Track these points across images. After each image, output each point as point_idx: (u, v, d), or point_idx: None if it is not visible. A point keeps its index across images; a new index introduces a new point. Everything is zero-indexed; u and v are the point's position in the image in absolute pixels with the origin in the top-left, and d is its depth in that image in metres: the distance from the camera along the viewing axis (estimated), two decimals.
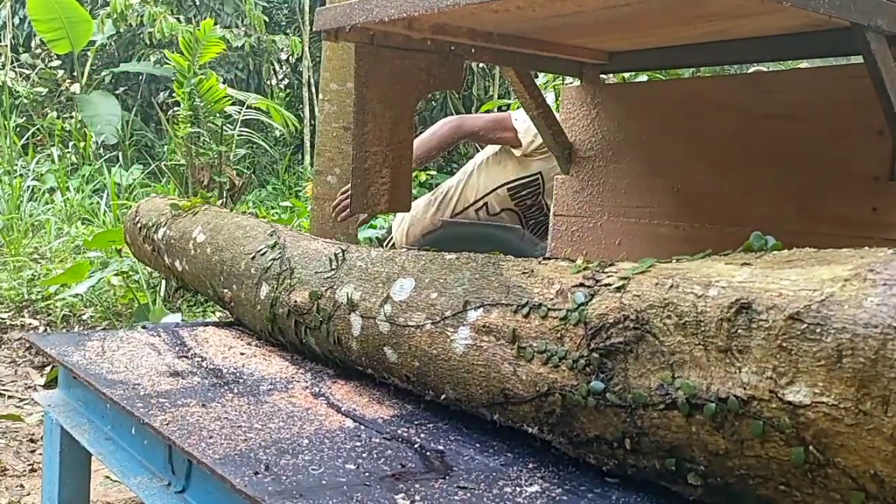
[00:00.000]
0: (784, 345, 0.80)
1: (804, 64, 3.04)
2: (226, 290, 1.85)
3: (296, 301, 1.55)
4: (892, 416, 0.73)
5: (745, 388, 0.84)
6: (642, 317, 0.93)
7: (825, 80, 1.94)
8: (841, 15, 1.40)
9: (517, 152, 2.80)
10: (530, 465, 1.09)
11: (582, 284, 1.04)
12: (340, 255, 1.52)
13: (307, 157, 13.05)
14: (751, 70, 3.20)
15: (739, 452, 0.85)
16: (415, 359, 1.26)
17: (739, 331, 0.84)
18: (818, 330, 0.77)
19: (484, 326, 1.14)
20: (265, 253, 1.71)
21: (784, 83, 2.00)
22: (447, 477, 1.04)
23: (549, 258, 1.18)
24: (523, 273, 1.15)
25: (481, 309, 1.15)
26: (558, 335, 1.03)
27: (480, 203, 2.91)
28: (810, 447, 0.79)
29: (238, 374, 1.51)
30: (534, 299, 1.08)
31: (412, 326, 1.26)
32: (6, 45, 9.90)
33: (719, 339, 0.86)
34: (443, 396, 1.25)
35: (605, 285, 1.01)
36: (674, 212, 2.13)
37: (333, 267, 1.50)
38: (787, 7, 1.33)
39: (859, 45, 1.49)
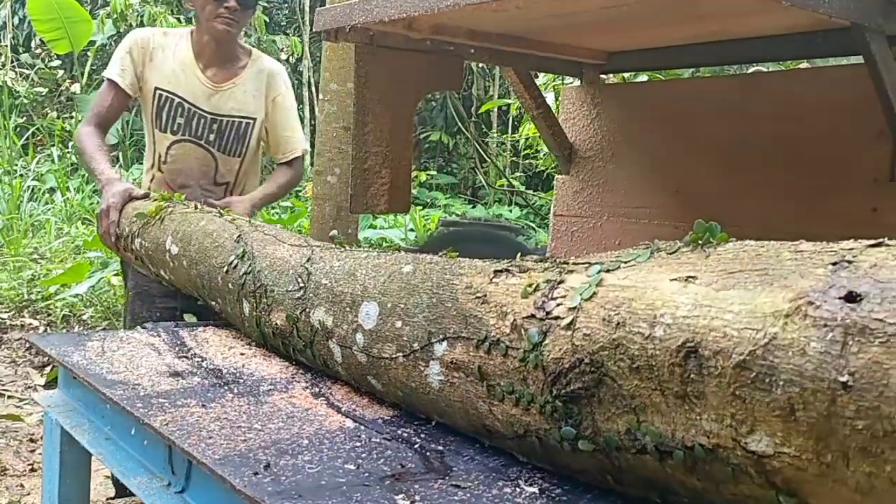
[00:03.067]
0: (737, 393, 0.76)
1: (804, 64, 3.04)
2: (213, 302, 1.84)
3: (276, 324, 1.53)
4: (854, 471, 0.70)
5: (708, 437, 0.79)
6: (596, 359, 0.89)
7: (825, 80, 1.94)
8: (841, 15, 1.40)
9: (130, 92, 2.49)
10: (530, 466, 1.09)
11: (533, 316, 0.98)
12: (305, 273, 1.47)
13: (307, 157, 13.05)
14: (751, 70, 3.21)
15: (716, 490, 0.83)
16: (397, 389, 1.24)
17: (692, 376, 0.79)
18: (767, 380, 0.73)
19: (452, 362, 1.10)
20: (236, 266, 1.67)
21: (784, 83, 2.00)
22: (447, 477, 1.04)
23: (501, 271, 1.10)
24: (476, 298, 1.09)
25: (445, 342, 1.11)
26: (521, 376, 0.99)
27: None
28: (782, 491, 0.76)
29: (238, 375, 1.51)
30: (491, 333, 1.04)
31: (387, 358, 1.23)
32: (6, 45, 9.90)
33: (674, 385, 0.81)
34: (433, 423, 1.24)
35: (555, 318, 0.95)
36: (674, 212, 2.13)
37: (301, 285, 1.46)
38: (787, 7, 1.33)
39: (859, 45, 1.49)
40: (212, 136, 2.50)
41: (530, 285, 1.01)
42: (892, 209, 1.71)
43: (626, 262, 0.94)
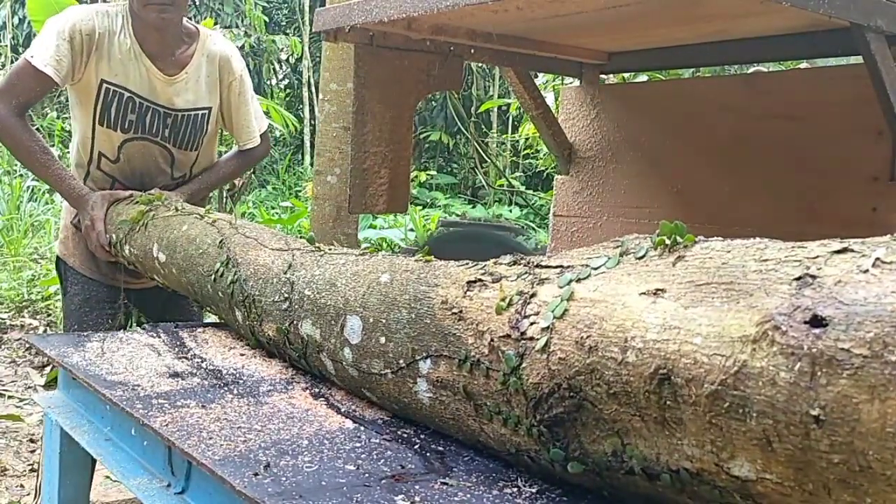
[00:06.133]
0: (714, 421, 0.75)
1: (804, 64, 3.04)
2: (208, 308, 1.84)
3: (269, 334, 1.53)
4: (836, 500, 0.68)
5: (691, 461, 0.78)
6: (574, 384, 0.88)
7: (825, 80, 1.95)
8: (841, 15, 1.41)
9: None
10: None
11: (508, 336, 0.98)
12: (288, 284, 1.45)
13: (307, 157, 13.06)
14: (751, 70, 3.21)
15: None
16: (391, 403, 1.24)
17: (667, 402, 0.79)
18: (741, 411, 0.72)
19: (438, 381, 1.10)
20: (223, 274, 1.65)
21: (784, 83, 2.00)
22: (447, 477, 1.04)
23: (473, 282, 1.09)
24: (453, 315, 1.08)
25: (429, 360, 1.10)
26: (505, 398, 0.98)
27: None
28: None
29: (238, 375, 1.51)
30: (471, 353, 1.03)
31: (376, 374, 1.22)
32: (6, 45, 9.90)
33: (652, 411, 0.81)
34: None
35: (530, 339, 0.95)
36: (674, 212, 2.13)
37: (286, 296, 1.45)
38: (787, 7, 1.33)
39: (859, 45, 1.49)
40: (167, 132, 2.29)
41: (503, 299, 1.01)
42: (893, 209, 1.71)
43: (595, 270, 0.93)
